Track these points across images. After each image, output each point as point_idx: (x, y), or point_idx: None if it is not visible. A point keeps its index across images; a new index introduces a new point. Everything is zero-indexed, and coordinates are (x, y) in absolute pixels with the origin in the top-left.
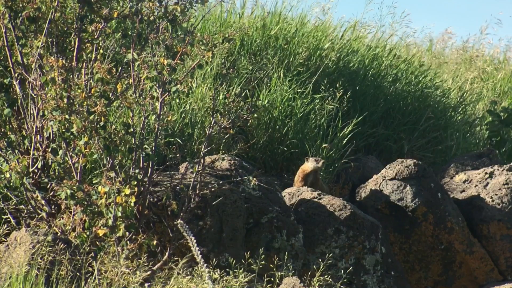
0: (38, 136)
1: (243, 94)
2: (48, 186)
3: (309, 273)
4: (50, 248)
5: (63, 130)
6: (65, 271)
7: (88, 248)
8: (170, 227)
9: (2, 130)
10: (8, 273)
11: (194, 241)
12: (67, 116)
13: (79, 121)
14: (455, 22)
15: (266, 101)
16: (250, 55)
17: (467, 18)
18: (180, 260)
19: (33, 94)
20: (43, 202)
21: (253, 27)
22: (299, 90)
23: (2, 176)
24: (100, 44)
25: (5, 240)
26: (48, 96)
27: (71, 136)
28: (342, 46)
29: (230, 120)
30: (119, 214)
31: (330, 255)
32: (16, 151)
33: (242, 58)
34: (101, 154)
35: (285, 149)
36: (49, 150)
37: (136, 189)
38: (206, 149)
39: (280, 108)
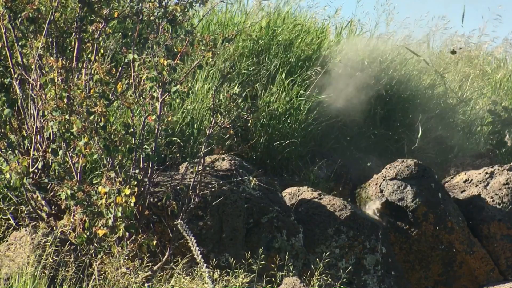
0: (38, 136)
1: (244, 94)
2: (48, 187)
3: (309, 273)
4: (56, 248)
5: (63, 131)
6: (68, 272)
7: (93, 250)
8: (170, 227)
9: (2, 130)
10: (8, 273)
11: (194, 241)
12: (67, 117)
13: (79, 121)
14: (452, 17)
15: (267, 99)
16: (252, 55)
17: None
18: (180, 260)
19: (33, 95)
20: (43, 202)
21: (257, 27)
22: (303, 90)
23: (2, 176)
24: (101, 44)
25: (6, 239)
26: (48, 97)
27: (71, 137)
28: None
29: (230, 120)
30: (119, 214)
31: (330, 255)
32: (16, 151)
33: (245, 59)
34: (101, 155)
35: (285, 149)
36: (49, 150)
37: (136, 189)
38: (206, 149)
39: (281, 108)
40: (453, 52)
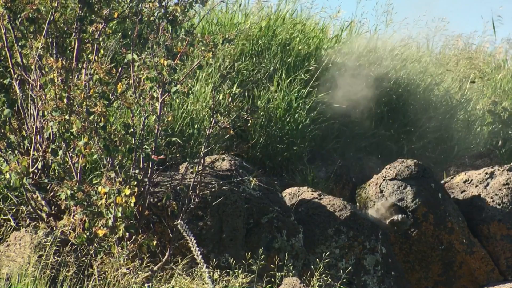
0: (38, 136)
1: (243, 94)
2: (48, 187)
3: (309, 273)
4: (56, 248)
5: (63, 131)
6: (68, 272)
7: (93, 250)
8: (170, 228)
9: (2, 130)
10: (9, 274)
11: (194, 241)
12: (66, 117)
13: (78, 121)
14: (451, 17)
15: (266, 99)
16: (252, 56)
17: (464, 13)
18: (180, 261)
19: (33, 95)
20: (43, 202)
21: (257, 28)
22: (303, 90)
23: (2, 176)
24: (101, 45)
25: (6, 240)
26: (47, 97)
27: (71, 137)
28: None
29: (230, 120)
30: (119, 214)
31: (330, 255)
32: (16, 151)
33: (244, 59)
34: (101, 155)
35: (284, 149)
36: (49, 150)
37: (136, 189)
38: (206, 149)
39: (281, 108)
40: (473, 82)
